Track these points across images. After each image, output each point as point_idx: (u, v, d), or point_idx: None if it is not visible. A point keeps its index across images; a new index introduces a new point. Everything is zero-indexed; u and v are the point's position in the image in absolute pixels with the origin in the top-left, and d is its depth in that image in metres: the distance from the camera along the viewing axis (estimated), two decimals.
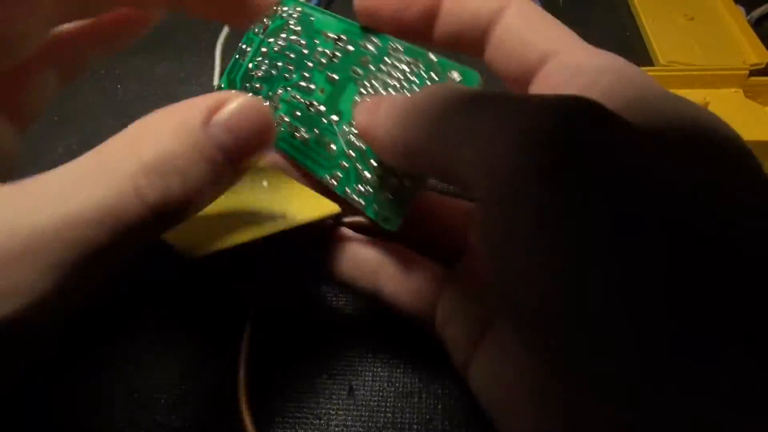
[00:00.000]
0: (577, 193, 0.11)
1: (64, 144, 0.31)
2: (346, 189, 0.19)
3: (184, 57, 0.38)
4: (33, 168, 0.21)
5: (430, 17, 0.18)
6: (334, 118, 0.20)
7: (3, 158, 0.16)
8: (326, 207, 0.19)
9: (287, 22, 0.22)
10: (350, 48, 0.20)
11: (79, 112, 0.34)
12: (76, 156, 0.13)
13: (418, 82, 0.18)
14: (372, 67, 0.19)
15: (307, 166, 0.20)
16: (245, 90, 0.23)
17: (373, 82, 0.19)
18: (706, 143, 0.12)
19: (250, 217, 0.18)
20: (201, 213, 0.14)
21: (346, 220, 0.20)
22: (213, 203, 0.15)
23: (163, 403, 0.21)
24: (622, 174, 0.11)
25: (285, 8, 0.22)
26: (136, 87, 0.36)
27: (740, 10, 0.37)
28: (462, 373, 0.17)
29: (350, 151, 0.19)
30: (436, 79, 0.18)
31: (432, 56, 0.18)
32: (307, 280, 0.24)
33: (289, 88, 0.21)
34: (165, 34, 0.40)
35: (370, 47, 0.19)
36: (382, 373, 0.21)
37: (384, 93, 0.19)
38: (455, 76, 0.18)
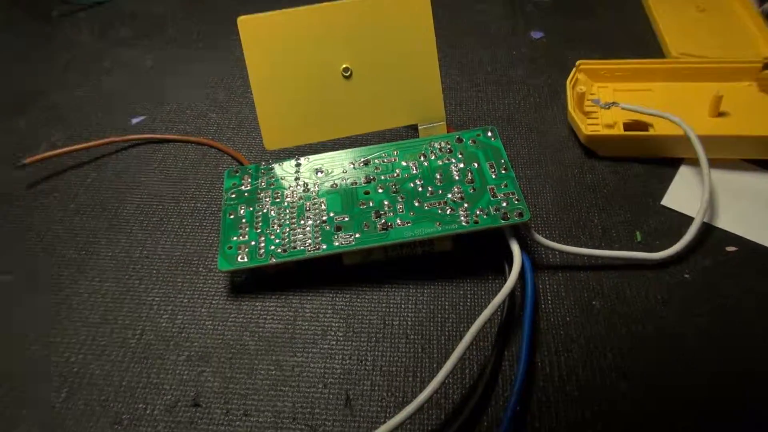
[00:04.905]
0: None
1: (50, 140, 0.30)
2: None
3: (172, 49, 0.37)
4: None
5: None
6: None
7: None
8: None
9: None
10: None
11: (65, 105, 0.32)
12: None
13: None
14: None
15: None
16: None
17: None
18: None
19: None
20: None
21: None
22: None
23: None
24: None
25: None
26: (123, 80, 0.35)
27: (752, 2, 0.36)
28: None
29: None
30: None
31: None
32: (303, 284, 0.23)
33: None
34: (153, 26, 0.39)
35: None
36: (380, 382, 0.20)
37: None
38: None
